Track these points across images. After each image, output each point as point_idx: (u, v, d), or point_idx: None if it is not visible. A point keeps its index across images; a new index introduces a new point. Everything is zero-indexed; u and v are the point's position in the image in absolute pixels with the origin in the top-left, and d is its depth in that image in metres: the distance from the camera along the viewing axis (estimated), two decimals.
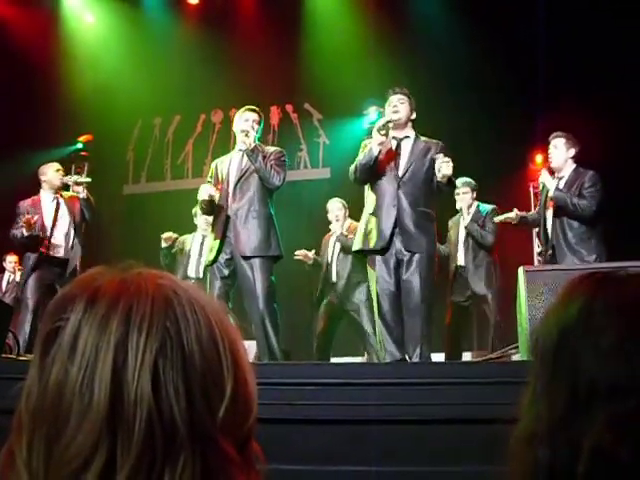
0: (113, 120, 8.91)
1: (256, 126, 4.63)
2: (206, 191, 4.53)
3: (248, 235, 4.42)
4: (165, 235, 6.46)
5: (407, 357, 4.20)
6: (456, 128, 7.24)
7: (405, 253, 4.25)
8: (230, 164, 4.65)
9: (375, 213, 4.36)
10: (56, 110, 8.68)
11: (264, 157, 4.51)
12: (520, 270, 3.71)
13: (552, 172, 5.02)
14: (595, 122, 6.15)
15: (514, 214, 5.36)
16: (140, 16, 9.01)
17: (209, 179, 4.75)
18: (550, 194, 4.82)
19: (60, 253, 5.41)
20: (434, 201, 4.45)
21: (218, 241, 4.50)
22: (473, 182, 5.83)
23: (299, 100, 9.10)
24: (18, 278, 7.32)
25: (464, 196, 5.74)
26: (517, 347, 3.96)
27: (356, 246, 4.49)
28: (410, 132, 4.52)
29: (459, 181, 5.68)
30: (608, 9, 6.95)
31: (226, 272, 4.48)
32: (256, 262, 4.38)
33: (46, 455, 0.61)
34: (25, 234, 5.24)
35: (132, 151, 9.73)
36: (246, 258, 4.40)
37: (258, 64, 8.42)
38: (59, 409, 0.61)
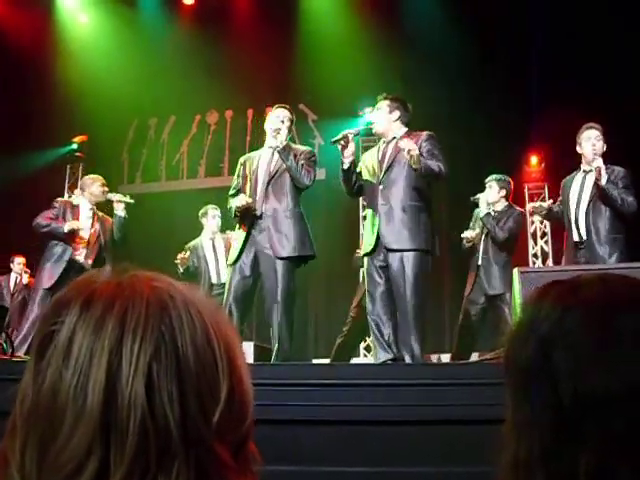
0: (108, 121, 8.90)
1: (288, 123, 4.58)
2: (243, 198, 4.43)
3: (284, 236, 4.35)
4: (179, 258, 6.24)
5: (402, 358, 4.18)
6: (451, 128, 7.25)
7: (393, 251, 4.23)
8: (259, 161, 4.59)
9: (366, 218, 4.44)
10: (51, 111, 8.65)
11: (294, 156, 4.46)
12: (515, 271, 3.71)
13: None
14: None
15: (546, 204, 5.17)
16: (135, 17, 9.00)
17: (236, 176, 4.69)
18: (602, 183, 4.59)
19: (88, 265, 5.43)
20: (425, 192, 4.35)
21: (242, 240, 4.45)
22: (502, 178, 5.65)
23: (294, 101, 9.07)
24: (25, 280, 7.33)
25: (487, 190, 5.58)
26: None
27: (362, 252, 4.54)
28: (398, 132, 4.46)
29: (490, 176, 5.63)
30: (606, 8, 6.96)
31: (248, 272, 4.41)
32: (282, 264, 4.30)
33: (39, 459, 0.61)
34: (65, 231, 5.31)
35: (127, 152, 9.71)
36: (280, 259, 4.30)
37: (253, 64, 8.42)
38: (53, 413, 0.61)
